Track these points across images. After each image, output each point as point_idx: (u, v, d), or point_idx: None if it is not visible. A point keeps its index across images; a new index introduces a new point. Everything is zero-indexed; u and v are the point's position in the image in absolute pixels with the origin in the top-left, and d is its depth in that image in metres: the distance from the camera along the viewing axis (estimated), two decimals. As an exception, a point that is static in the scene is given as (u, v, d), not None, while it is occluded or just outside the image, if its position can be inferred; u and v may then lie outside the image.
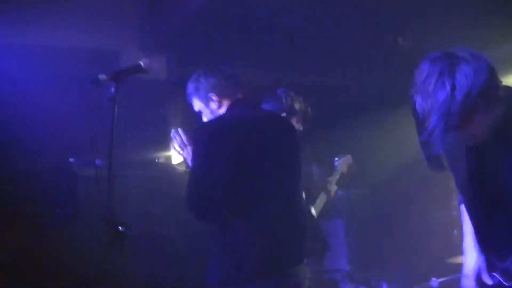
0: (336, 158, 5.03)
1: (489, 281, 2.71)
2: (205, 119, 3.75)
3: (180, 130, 3.64)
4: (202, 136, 3.54)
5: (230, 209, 3.40)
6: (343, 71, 6.41)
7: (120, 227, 2.76)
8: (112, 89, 2.89)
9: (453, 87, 2.14)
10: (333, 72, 6.53)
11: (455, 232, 5.46)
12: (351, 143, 6.33)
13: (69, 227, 4.99)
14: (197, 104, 3.77)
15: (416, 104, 2.24)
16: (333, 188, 4.90)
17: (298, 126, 4.59)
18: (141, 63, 3.00)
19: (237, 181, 3.42)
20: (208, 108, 3.72)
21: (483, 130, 2.27)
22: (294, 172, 3.65)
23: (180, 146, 3.63)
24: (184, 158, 3.65)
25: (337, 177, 4.97)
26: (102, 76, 2.88)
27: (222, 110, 3.69)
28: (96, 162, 3.68)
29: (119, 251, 2.75)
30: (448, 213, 5.49)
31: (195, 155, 3.49)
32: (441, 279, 5.42)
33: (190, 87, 3.78)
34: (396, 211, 5.73)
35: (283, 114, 4.51)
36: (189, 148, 3.59)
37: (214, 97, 3.68)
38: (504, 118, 2.26)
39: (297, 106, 4.59)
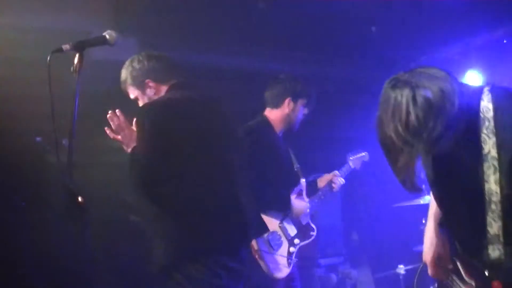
0: (350, 154, 5.10)
1: (450, 265, 2.80)
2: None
3: (118, 112, 3.55)
4: (153, 116, 3.44)
5: (179, 193, 3.36)
6: (318, 59, 6.40)
7: (80, 198, 2.72)
8: (76, 60, 2.84)
9: (418, 121, 2.21)
10: (306, 60, 6.53)
11: (423, 221, 5.50)
12: (321, 131, 6.35)
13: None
14: (133, 92, 3.68)
15: (386, 135, 2.30)
16: (341, 181, 4.97)
17: (303, 110, 4.69)
18: (106, 35, 2.97)
19: (186, 163, 3.39)
20: (145, 95, 3.64)
21: (446, 144, 2.31)
22: (232, 156, 3.63)
23: (117, 129, 3.54)
24: (121, 142, 3.55)
25: (347, 171, 5.05)
26: (65, 46, 2.84)
27: (160, 95, 3.63)
28: (64, 142, 3.63)
29: (79, 222, 2.72)
30: (416, 202, 5.52)
31: (147, 135, 3.40)
32: (408, 267, 5.48)
33: (124, 74, 3.70)
34: (365, 199, 5.75)
35: (288, 98, 4.61)
36: (128, 131, 3.51)
37: (151, 83, 3.62)
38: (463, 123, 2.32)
39: (300, 89, 4.70)
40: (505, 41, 6.23)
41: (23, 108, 4.88)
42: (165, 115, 3.43)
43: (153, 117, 3.42)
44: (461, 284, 2.69)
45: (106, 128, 3.55)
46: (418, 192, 2.38)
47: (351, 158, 5.17)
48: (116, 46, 5.29)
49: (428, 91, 2.23)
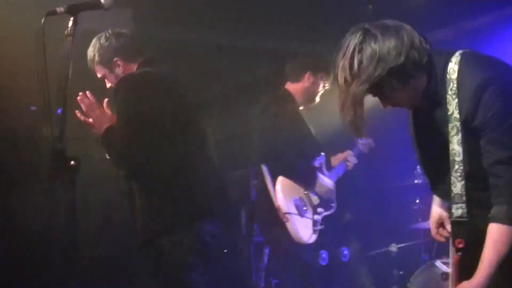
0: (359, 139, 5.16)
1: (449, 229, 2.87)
2: (109, 85, 3.64)
3: (88, 93, 3.48)
4: (136, 87, 3.43)
5: (161, 163, 3.36)
6: (312, 38, 6.37)
7: (72, 162, 2.70)
8: (70, 23, 2.80)
9: (360, 64, 2.38)
10: (301, 38, 6.50)
11: (417, 200, 5.52)
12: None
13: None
14: (101, 70, 3.63)
15: (335, 74, 2.50)
16: (354, 161, 5.03)
17: (323, 84, 4.75)
18: (101, -1, 2.92)
19: (167, 133, 3.39)
20: (113, 73, 3.60)
21: (402, 98, 2.52)
22: (204, 127, 3.64)
23: (87, 111, 3.46)
24: (92, 124, 3.49)
25: (357, 153, 5.16)
26: (59, 9, 2.80)
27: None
28: (58, 111, 3.60)
29: (71, 186, 2.70)
30: (411, 181, 5.52)
31: (131, 107, 3.37)
32: (400, 245, 5.50)
33: (91, 52, 3.64)
34: (358, 178, 5.74)
35: (308, 72, 4.68)
36: (99, 111, 3.45)
37: (119, 62, 3.58)
38: (429, 83, 2.51)
39: (321, 64, 4.76)
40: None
41: (17, 76, 4.83)
42: (146, 86, 3.43)
43: (136, 89, 3.41)
44: (450, 244, 2.74)
45: (76, 111, 3.46)
46: (358, 135, 2.53)
47: (360, 141, 5.22)
48: (111, 18, 5.27)
49: (377, 41, 2.39)
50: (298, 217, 4.52)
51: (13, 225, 5.08)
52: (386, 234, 5.97)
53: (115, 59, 3.58)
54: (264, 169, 4.56)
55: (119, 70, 3.59)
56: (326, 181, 4.79)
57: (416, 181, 5.49)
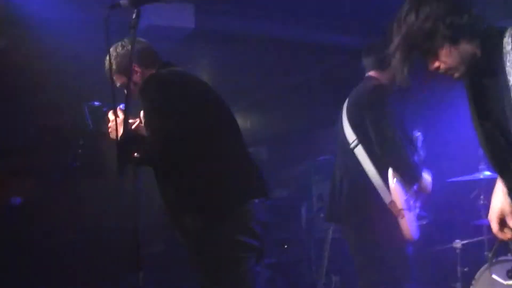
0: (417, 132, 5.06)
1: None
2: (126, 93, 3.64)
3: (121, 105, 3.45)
4: (162, 85, 3.44)
5: (202, 150, 3.37)
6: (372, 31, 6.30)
7: (135, 154, 2.74)
8: (134, 15, 2.83)
9: (417, 15, 2.53)
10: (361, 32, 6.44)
11: (482, 196, 5.39)
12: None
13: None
14: (120, 79, 3.62)
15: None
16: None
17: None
18: (164, -9, 2.93)
19: (205, 123, 3.41)
20: (131, 81, 3.59)
21: (452, 62, 2.57)
22: (232, 121, 3.62)
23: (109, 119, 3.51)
24: (108, 135, 3.52)
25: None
26: (123, 2, 2.82)
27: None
28: (121, 106, 3.63)
29: (134, 178, 2.73)
30: (475, 176, 5.39)
31: (162, 104, 3.37)
32: (465, 241, 5.37)
33: (109, 61, 3.61)
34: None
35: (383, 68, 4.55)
36: (114, 120, 3.42)
37: (137, 68, 3.58)
38: (482, 53, 2.55)
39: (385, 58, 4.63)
40: None
41: (80, 72, 4.90)
42: (172, 82, 3.45)
43: (163, 86, 3.43)
44: None
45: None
46: (402, 82, 2.65)
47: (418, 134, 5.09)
48: (172, 12, 5.31)
49: (423, 11, 2.52)
50: (408, 212, 4.38)
51: (81, 218, 5.16)
52: (451, 230, 5.85)
53: (133, 66, 3.59)
54: (368, 162, 4.40)
55: (137, 77, 3.59)
56: (426, 176, 4.63)
57: (481, 176, 5.35)
